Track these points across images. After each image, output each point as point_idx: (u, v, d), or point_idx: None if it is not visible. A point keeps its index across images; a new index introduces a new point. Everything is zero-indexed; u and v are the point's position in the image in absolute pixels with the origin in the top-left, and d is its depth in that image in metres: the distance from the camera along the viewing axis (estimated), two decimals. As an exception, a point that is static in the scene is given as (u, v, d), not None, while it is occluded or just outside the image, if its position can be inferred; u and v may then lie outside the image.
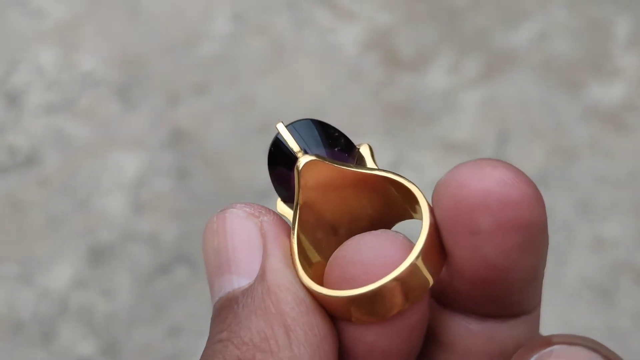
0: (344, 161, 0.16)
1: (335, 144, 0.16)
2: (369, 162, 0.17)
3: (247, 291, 0.15)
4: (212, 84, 0.57)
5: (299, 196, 0.16)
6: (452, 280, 0.15)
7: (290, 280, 0.15)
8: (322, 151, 0.16)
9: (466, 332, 0.16)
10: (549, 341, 0.14)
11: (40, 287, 0.50)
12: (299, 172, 0.16)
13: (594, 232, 0.50)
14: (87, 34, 0.61)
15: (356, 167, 0.16)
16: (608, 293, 0.48)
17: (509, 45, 0.58)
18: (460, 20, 0.59)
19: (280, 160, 0.16)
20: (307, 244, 0.16)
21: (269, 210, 0.16)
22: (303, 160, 0.16)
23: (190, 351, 0.48)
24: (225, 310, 0.15)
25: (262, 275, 0.15)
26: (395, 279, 0.14)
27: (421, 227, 0.15)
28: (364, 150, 0.17)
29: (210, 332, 0.16)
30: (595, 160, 0.53)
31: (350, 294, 0.14)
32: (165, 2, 0.62)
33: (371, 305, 0.14)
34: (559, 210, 0.51)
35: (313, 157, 0.16)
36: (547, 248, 0.15)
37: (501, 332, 0.16)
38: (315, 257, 0.16)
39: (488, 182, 0.14)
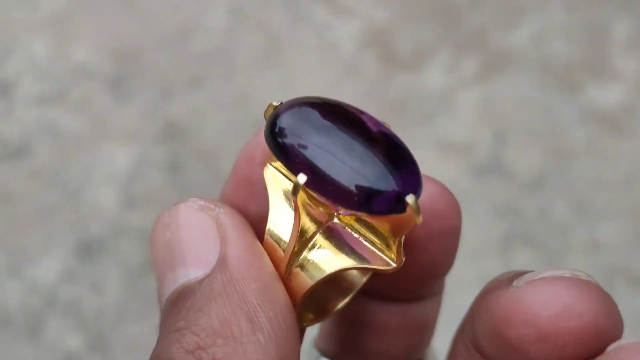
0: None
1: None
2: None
3: (205, 280, 0.14)
4: (207, 78, 0.57)
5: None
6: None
7: (255, 268, 0.14)
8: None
9: (387, 315, 0.18)
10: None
11: (28, 280, 0.50)
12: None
13: (589, 234, 0.50)
14: (81, 25, 0.60)
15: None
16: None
17: (507, 45, 0.58)
18: (459, 19, 0.59)
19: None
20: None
21: (224, 204, 0.16)
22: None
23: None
24: (181, 301, 0.14)
25: (222, 264, 0.14)
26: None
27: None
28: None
29: (162, 328, 0.15)
30: (592, 163, 0.53)
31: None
32: (161, -5, 0.61)
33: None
34: (555, 212, 0.51)
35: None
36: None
37: (415, 310, 0.18)
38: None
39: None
